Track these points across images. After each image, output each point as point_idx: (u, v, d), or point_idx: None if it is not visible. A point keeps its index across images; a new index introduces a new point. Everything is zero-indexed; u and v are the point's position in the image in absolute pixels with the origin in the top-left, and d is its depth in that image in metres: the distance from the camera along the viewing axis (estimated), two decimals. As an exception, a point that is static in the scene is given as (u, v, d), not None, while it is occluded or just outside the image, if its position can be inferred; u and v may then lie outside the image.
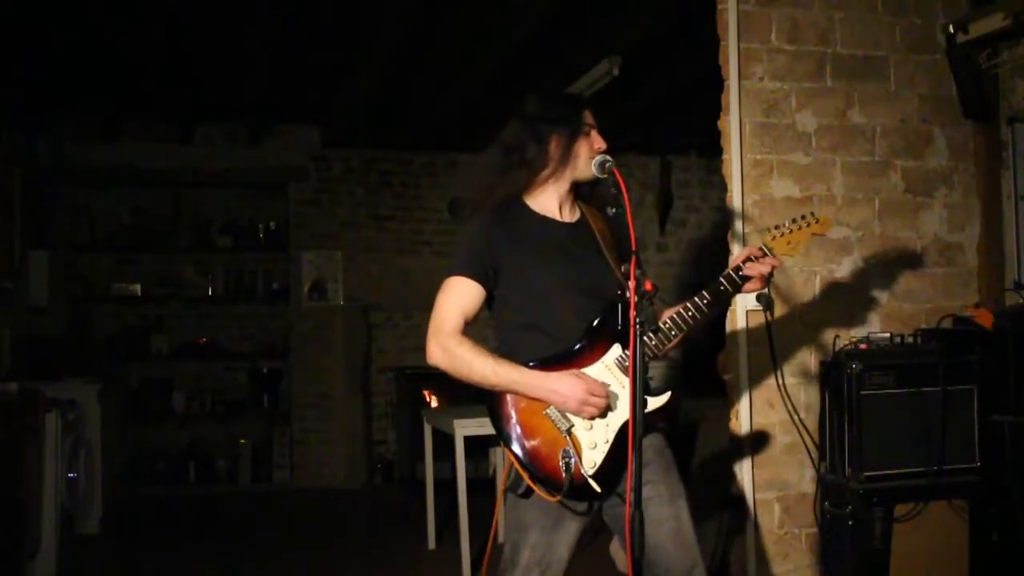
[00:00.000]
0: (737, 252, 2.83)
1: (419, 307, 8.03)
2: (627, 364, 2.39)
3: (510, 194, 2.56)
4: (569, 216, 2.61)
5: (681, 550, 2.43)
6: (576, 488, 2.35)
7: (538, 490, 2.37)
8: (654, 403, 2.42)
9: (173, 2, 4.74)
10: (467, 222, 2.59)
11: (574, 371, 2.41)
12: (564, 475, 2.33)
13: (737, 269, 2.52)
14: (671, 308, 2.54)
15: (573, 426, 2.38)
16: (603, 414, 2.40)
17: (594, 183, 2.58)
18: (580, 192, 2.64)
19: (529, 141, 2.53)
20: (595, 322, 2.45)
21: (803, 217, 2.63)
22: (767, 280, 2.54)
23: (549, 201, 2.59)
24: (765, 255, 2.53)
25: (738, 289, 2.54)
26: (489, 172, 2.59)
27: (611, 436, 2.40)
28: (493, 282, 2.50)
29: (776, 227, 2.63)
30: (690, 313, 2.47)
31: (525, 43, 5.22)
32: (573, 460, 2.34)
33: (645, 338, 2.39)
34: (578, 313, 2.46)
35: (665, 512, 2.43)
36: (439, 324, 2.45)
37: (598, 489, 2.36)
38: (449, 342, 2.42)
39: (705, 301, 2.48)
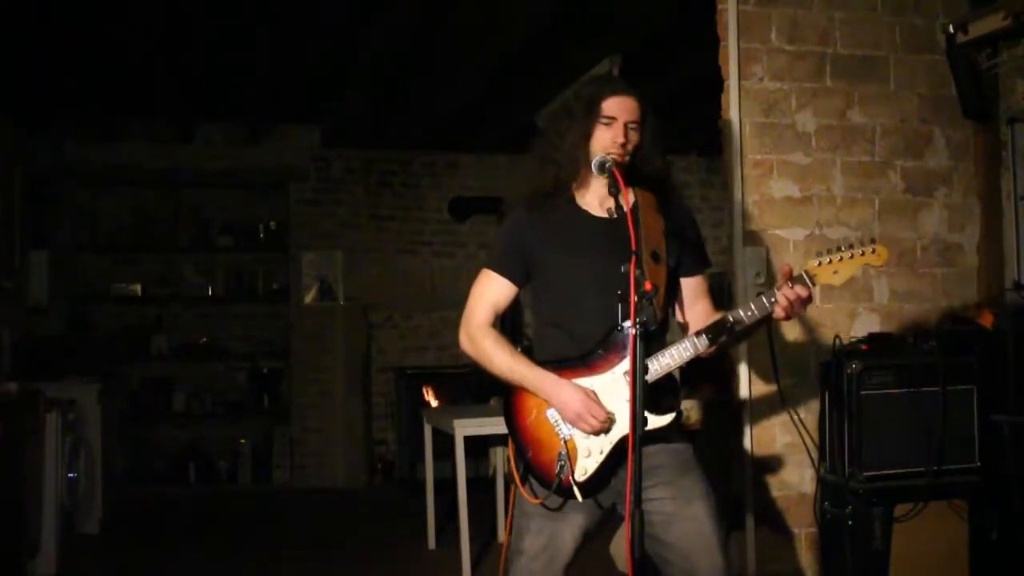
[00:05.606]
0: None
1: (419, 307, 8.06)
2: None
3: (549, 188, 2.47)
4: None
5: (701, 551, 2.36)
6: (562, 490, 2.37)
7: (523, 490, 2.39)
8: (656, 421, 2.31)
9: (173, 2, 4.74)
10: (506, 215, 2.57)
11: (582, 382, 2.37)
12: (555, 477, 2.35)
13: (769, 295, 2.33)
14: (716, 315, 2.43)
15: (572, 432, 2.37)
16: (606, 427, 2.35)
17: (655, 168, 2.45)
18: (643, 179, 2.46)
19: (555, 140, 2.45)
20: (614, 327, 2.36)
21: (861, 243, 2.33)
22: (793, 311, 2.31)
23: (591, 194, 2.50)
24: (804, 283, 2.31)
25: (767, 316, 2.34)
26: (531, 168, 2.52)
27: (607, 447, 2.36)
28: (526, 276, 2.51)
29: (828, 250, 2.33)
30: (722, 338, 2.34)
31: (525, 43, 5.22)
32: (566, 465, 2.35)
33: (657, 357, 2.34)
34: (602, 313, 2.37)
35: (681, 512, 2.37)
36: (468, 315, 2.51)
37: (579, 497, 2.36)
38: (476, 333, 2.48)
39: (734, 322, 2.33)
